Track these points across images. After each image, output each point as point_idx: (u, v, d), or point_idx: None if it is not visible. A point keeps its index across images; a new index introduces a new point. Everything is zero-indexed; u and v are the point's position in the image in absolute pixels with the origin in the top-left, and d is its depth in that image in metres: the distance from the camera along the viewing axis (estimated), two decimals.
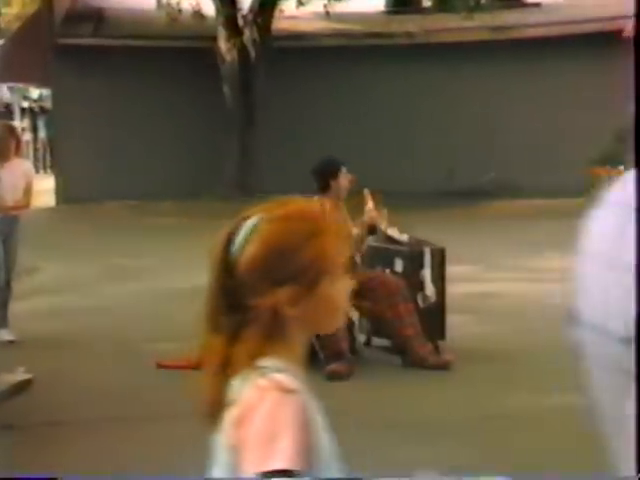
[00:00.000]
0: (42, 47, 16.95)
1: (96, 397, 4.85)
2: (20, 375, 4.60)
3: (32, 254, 9.19)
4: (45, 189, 18.23)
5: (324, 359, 5.17)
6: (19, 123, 25.29)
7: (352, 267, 5.35)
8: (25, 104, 25.87)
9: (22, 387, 4.51)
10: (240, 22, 16.85)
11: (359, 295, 5.37)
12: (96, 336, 6.34)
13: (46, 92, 20.21)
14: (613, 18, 15.15)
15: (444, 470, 3.68)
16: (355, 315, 5.66)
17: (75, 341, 6.19)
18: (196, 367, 5.54)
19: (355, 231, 5.37)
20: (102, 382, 5.15)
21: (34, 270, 8.85)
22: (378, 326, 5.55)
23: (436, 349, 5.41)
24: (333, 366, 5.09)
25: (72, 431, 4.30)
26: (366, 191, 5.49)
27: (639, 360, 1.00)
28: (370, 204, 5.50)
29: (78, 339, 6.25)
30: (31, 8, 18.21)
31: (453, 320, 5.77)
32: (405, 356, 5.28)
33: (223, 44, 16.71)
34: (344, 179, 5.42)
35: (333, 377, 5.04)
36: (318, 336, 5.20)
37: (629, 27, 12.86)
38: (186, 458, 3.94)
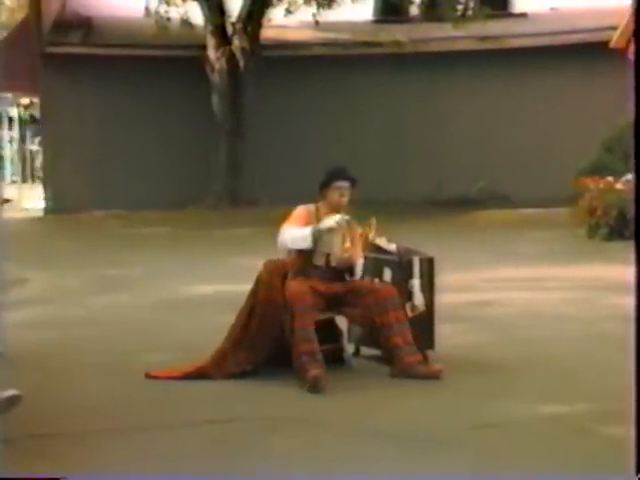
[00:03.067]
0: (30, 55, 16.91)
1: (85, 408, 4.83)
2: (10, 391, 4.57)
3: (20, 265, 9.16)
4: (33, 199, 18.20)
5: (302, 364, 5.08)
6: (7, 133, 25.22)
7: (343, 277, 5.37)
8: (13, 113, 25.81)
9: (12, 403, 4.49)
10: (229, 31, 16.88)
11: (349, 303, 5.39)
12: (85, 347, 6.32)
13: (34, 101, 20.17)
14: (599, 29, 15.25)
15: None
16: (344, 324, 5.67)
17: (64, 352, 6.16)
18: (185, 377, 5.56)
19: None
20: (91, 393, 5.13)
21: (22, 281, 8.81)
22: (368, 335, 5.55)
23: (425, 359, 5.41)
24: (314, 372, 5.01)
25: (61, 443, 4.28)
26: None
27: (639, 356, 0.99)
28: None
29: (67, 350, 6.22)
30: (19, 16, 18.16)
31: (442, 330, 5.77)
32: (394, 365, 5.28)
33: (212, 53, 16.73)
34: (333, 192, 5.41)
35: (316, 384, 4.97)
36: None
37: (615, 38, 12.94)
38: (176, 468, 3.93)
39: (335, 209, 5.42)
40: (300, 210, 5.45)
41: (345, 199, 5.42)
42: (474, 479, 3.77)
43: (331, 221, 5.27)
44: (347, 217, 5.34)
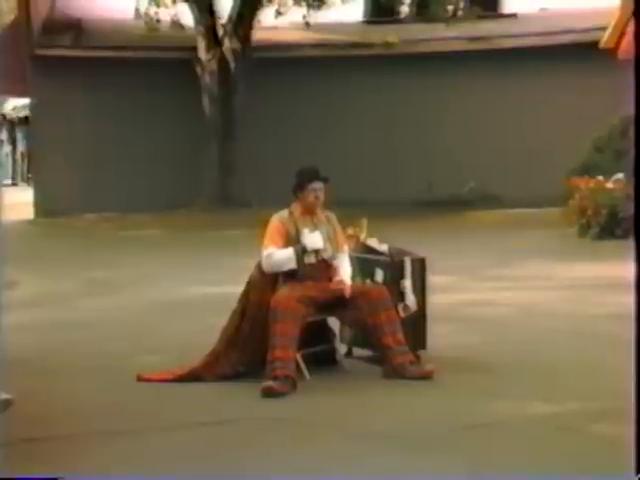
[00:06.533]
0: (20, 58, 16.87)
1: (78, 411, 4.83)
2: (1, 395, 4.57)
3: (11, 267, 9.13)
4: (24, 201, 18.15)
5: (273, 369, 5.06)
6: None
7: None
8: (3, 115, 25.77)
9: (4, 407, 4.48)
10: (219, 32, 16.87)
11: (341, 305, 5.39)
12: (77, 349, 6.31)
13: (25, 103, 20.14)
14: (589, 29, 15.29)
15: None
16: (336, 326, 5.67)
17: (56, 355, 6.15)
18: (177, 379, 5.55)
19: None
20: (83, 396, 5.12)
21: (13, 284, 8.79)
22: (360, 336, 5.55)
23: (417, 359, 5.42)
24: (268, 383, 4.99)
25: (54, 446, 4.27)
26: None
27: (639, 357, 1.00)
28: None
29: (59, 353, 6.21)
30: (8, 18, 18.13)
31: (435, 330, 5.78)
32: (386, 366, 5.28)
33: (202, 54, 16.72)
34: (308, 194, 5.41)
35: (267, 394, 4.93)
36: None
37: (605, 38, 12.99)
38: (169, 470, 3.93)
39: (310, 209, 5.46)
40: (275, 223, 5.41)
41: (320, 199, 5.46)
42: (467, 479, 3.78)
43: (316, 242, 5.31)
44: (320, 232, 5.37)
